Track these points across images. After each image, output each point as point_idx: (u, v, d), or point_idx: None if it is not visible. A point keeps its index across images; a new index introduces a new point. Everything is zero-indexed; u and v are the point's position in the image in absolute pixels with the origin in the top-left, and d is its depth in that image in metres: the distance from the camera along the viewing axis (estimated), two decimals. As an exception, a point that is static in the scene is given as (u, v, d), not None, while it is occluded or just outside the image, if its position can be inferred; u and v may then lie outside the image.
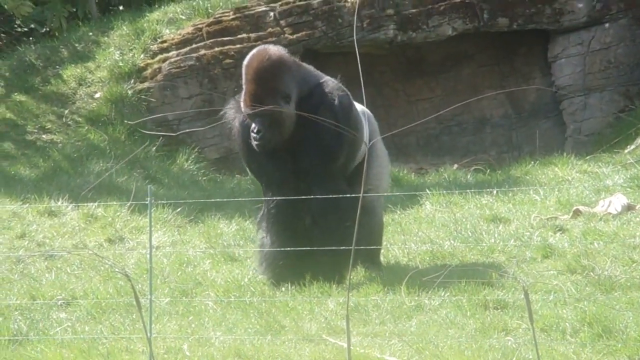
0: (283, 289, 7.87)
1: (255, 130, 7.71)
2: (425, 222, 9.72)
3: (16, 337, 6.78)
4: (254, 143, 7.75)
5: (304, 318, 7.08)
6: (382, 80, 14.82)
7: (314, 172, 7.86)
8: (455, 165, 13.27)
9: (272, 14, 14.11)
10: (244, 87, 7.84)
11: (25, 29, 17.04)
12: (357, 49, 4.86)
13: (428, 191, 10.66)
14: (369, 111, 8.51)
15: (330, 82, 8.02)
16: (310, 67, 8.24)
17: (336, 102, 7.86)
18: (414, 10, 13.96)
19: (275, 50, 7.92)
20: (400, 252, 8.61)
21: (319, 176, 7.85)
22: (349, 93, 8.07)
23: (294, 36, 13.93)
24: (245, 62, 7.87)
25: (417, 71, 14.88)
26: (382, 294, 7.39)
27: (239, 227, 10.18)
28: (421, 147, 14.73)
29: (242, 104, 7.85)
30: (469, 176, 12.39)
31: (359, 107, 8.35)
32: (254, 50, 7.94)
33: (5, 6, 15.08)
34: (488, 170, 12.70)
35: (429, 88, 14.84)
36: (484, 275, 7.59)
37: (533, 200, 10.06)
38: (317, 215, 7.86)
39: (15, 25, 17.01)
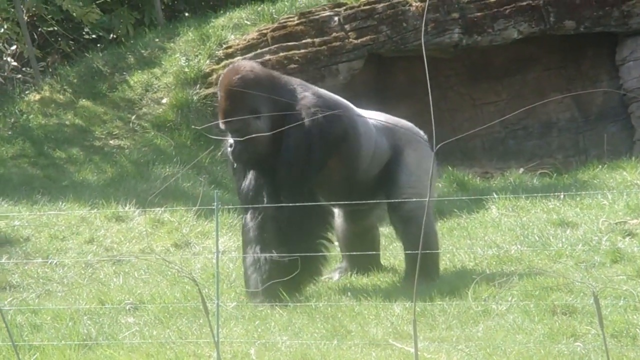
0: (349, 293, 7.87)
1: (230, 145, 7.89)
2: (491, 227, 9.65)
3: (86, 342, 6.84)
4: (230, 157, 7.96)
5: (370, 323, 7.06)
6: (447, 84, 14.76)
7: (283, 185, 7.91)
8: (521, 169, 13.16)
9: (336, 18, 14.13)
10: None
11: (93, 36, 17.25)
12: (424, 53, 4.82)
13: (495, 195, 10.58)
14: (403, 122, 8.64)
15: (308, 98, 7.96)
16: (294, 81, 8.23)
17: (307, 121, 7.83)
18: (479, 14, 13.89)
19: (247, 66, 8.01)
20: (466, 257, 8.56)
21: (287, 189, 7.88)
22: (327, 109, 7.97)
23: (359, 40, 13.94)
24: (220, 78, 8.05)
25: (483, 75, 14.79)
26: (449, 299, 7.35)
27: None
28: (486, 151, 14.65)
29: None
30: (535, 180, 12.28)
31: (377, 118, 8.42)
32: (228, 68, 8.09)
33: (74, 14, 15.29)
34: (555, 174, 12.58)
35: (495, 92, 14.75)
36: (552, 280, 7.52)
37: (601, 205, 9.94)
38: (277, 224, 7.89)
39: (84, 33, 17.23)
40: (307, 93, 8.02)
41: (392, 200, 8.11)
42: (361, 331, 6.88)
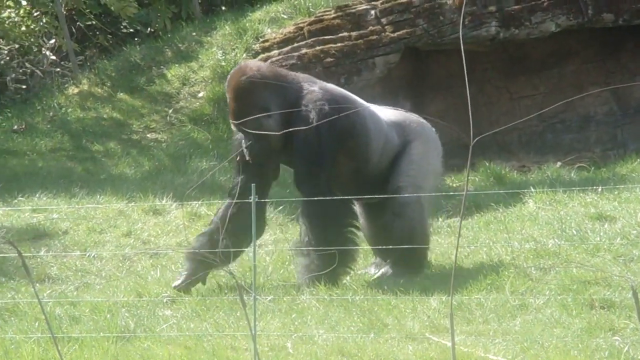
0: (385, 287, 7.87)
1: (245, 145, 8.01)
2: (528, 220, 9.61)
3: (124, 334, 6.88)
4: (247, 156, 8.05)
5: (407, 316, 7.06)
6: (484, 77, 14.69)
7: (301, 181, 8.12)
8: (559, 163, 13.09)
9: (373, 12, 14.10)
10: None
11: (131, 30, 17.33)
12: (462, 47, 4.81)
13: (532, 189, 10.53)
14: (415, 117, 8.69)
15: (315, 93, 8.08)
16: (300, 77, 8.35)
17: (312, 114, 7.95)
18: (516, 7, 13.80)
19: (254, 66, 8.16)
20: (503, 251, 8.53)
21: (305, 184, 8.08)
22: (334, 103, 8.08)
23: (395, 34, 13.90)
24: (227, 80, 8.22)
25: (520, 68, 14.70)
26: (486, 293, 7.34)
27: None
28: (524, 144, 14.57)
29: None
30: (572, 174, 12.21)
31: (388, 113, 8.51)
32: (234, 69, 8.26)
33: (112, 7, 15.37)
34: (592, 168, 12.50)
35: (532, 85, 14.66)
36: (590, 274, 7.48)
37: (639, 198, 9.87)
38: (306, 220, 8.02)
39: (122, 27, 17.31)
40: (314, 88, 8.12)
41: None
42: (398, 325, 6.88)
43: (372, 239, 8.66)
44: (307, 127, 7.78)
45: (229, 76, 8.21)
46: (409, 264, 8.17)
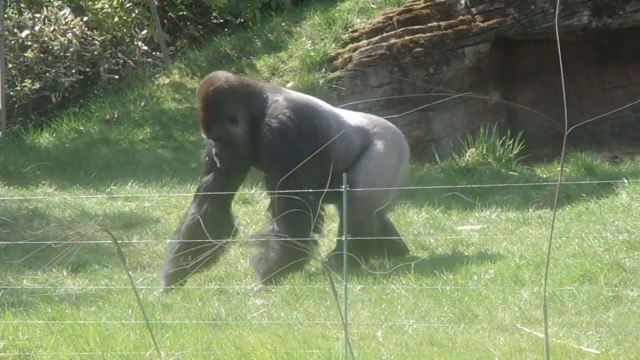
0: (475, 277, 7.84)
1: (215, 153, 8.37)
2: (621, 212, 9.49)
3: (216, 322, 6.95)
4: (217, 163, 8.39)
5: (498, 307, 7.03)
6: (575, 67, 14.51)
7: (269, 182, 8.42)
8: (652, 154, 12.91)
9: (463, 1, 14.03)
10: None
11: (221, 21, 17.43)
12: (557, 36, 4.78)
13: (624, 180, 10.39)
14: (382, 121, 9.05)
15: (279, 102, 8.43)
16: (267, 88, 8.68)
17: (274, 122, 8.31)
18: (610, -4, 13.63)
19: (222, 77, 8.48)
20: (595, 242, 8.43)
21: (273, 186, 8.25)
22: (298, 110, 8.46)
23: (485, 24, 13.82)
24: (197, 90, 8.63)
25: (612, 58, 14.49)
26: (578, 284, 7.27)
27: (428, 215, 10.19)
28: (615, 135, 14.38)
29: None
30: (666, 165, 12.04)
31: (353, 117, 8.93)
32: (203, 79, 8.66)
33: (203, -1, 15.53)
34: (686, 159, 12.32)
35: (625, 75, 14.44)
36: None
37: None
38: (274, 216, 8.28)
39: (212, 17, 17.43)
40: (278, 97, 8.48)
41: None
42: (488, 315, 6.85)
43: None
44: (271, 134, 8.25)
45: (199, 86, 8.60)
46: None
